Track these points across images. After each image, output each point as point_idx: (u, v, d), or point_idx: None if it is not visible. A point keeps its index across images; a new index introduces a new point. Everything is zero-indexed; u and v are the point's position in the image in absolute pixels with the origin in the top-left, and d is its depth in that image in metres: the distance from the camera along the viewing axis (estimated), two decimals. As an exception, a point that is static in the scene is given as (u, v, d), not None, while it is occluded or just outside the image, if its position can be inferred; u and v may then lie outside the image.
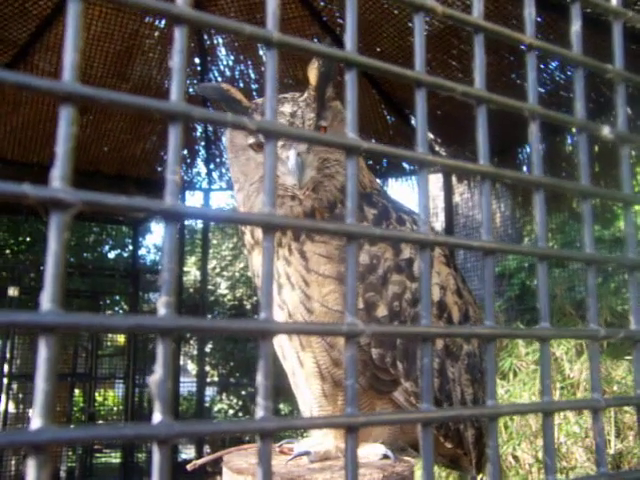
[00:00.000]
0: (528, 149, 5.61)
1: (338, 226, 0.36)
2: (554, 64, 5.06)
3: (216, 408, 10.76)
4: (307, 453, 1.44)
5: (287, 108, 1.41)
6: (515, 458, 3.94)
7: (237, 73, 5.93)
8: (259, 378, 0.32)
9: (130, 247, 9.31)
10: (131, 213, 0.31)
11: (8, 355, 6.32)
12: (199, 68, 5.85)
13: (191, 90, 5.76)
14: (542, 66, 5.00)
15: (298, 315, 1.43)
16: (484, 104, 0.42)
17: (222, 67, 5.92)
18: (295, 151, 1.36)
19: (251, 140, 1.45)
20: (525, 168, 5.76)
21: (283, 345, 1.50)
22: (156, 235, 12.16)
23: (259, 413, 0.31)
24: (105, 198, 0.30)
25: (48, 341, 0.28)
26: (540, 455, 3.87)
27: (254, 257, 1.52)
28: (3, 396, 6.34)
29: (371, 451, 1.47)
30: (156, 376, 0.30)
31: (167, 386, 0.29)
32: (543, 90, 5.22)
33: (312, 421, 0.33)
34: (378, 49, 5.39)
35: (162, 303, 0.30)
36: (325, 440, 1.48)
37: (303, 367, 1.47)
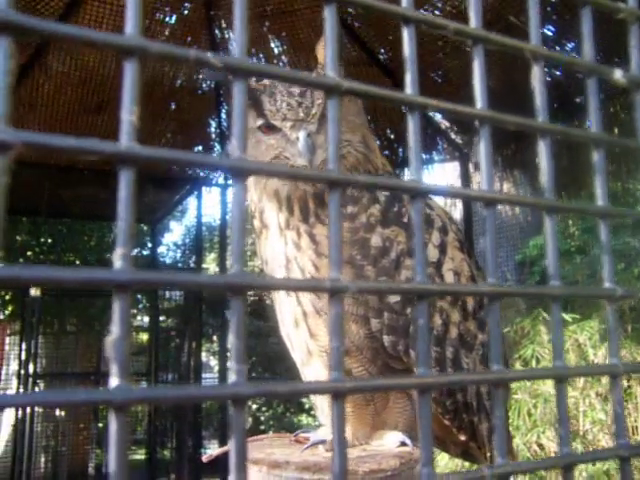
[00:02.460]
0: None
1: (319, 173, 0.32)
2: (571, 45, 4.96)
3: (239, 403, 10.79)
4: (323, 442, 1.41)
5: (296, 88, 1.38)
6: (540, 446, 3.88)
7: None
8: (231, 338, 0.29)
9: (149, 245, 9.36)
10: (83, 156, 0.28)
11: (32, 353, 6.39)
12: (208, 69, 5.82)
13: (201, 76, 5.74)
14: (557, 48, 4.90)
15: (306, 300, 1.39)
16: (480, 43, 0.39)
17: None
18: (305, 132, 1.33)
19: (260, 122, 1.41)
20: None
21: (291, 334, 1.47)
22: (175, 233, 12.21)
23: (231, 377, 0.28)
24: (49, 139, 0.27)
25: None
26: (566, 443, 3.80)
27: (262, 242, 1.49)
28: (28, 392, 6.40)
29: (388, 438, 1.44)
30: (112, 336, 0.27)
31: (124, 347, 0.27)
32: (559, 73, 5.12)
33: (295, 387, 0.30)
34: (391, 37, 5.33)
35: (118, 255, 0.27)
36: (341, 428, 1.45)
37: (312, 356, 1.44)
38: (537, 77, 0.41)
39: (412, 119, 0.35)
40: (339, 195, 0.32)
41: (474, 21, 0.39)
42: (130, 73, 0.28)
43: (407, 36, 0.36)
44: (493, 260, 0.36)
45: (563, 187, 5.37)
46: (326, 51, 0.33)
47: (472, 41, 0.39)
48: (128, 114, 0.28)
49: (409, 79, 0.36)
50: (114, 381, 0.26)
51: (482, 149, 0.37)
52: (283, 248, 1.43)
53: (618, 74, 0.45)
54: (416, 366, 1.40)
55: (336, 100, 0.33)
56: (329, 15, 0.33)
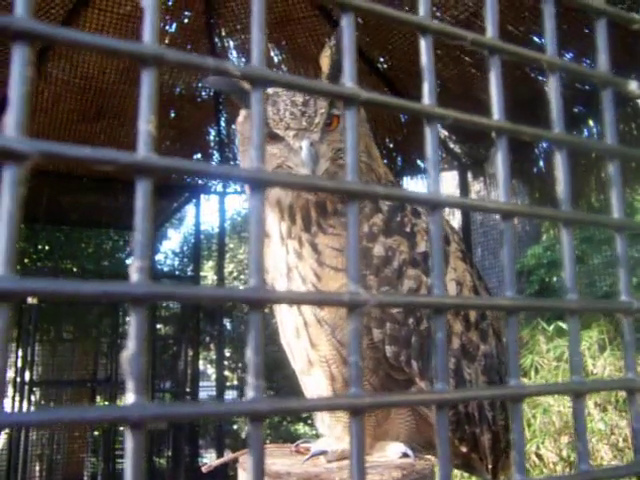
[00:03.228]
0: (544, 144, 5.50)
1: (338, 183, 0.32)
2: (569, 55, 4.97)
3: (236, 412, 10.74)
4: (324, 452, 1.40)
5: (299, 97, 1.37)
6: (539, 457, 3.86)
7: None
8: (249, 353, 0.28)
9: (147, 253, 9.31)
10: (98, 166, 0.27)
11: (29, 361, 6.35)
12: (211, 76, 5.84)
13: (200, 84, 5.75)
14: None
15: (308, 310, 1.39)
16: (497, 54, 0.38)
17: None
18: (308, 141, 1.32)
19: None
20: (542, 163, 5.64)
21: (292, 344, 1.46)
22: (173, 241, 12.20)
23: (249, 393, 0.28)
24: (66, 149, 0.26)
25: (1, 310, 0.24)
26: (565, 453, 3.79)
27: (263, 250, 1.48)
28: (25, 403, 6.37)
29: (390, 450, 1.42)
30: (129, 351, 0.26)
31: (141, 362, 0.26)
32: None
33: (313, 403, 0.29)
34: (390, 47, 5.35)
35: (135, 268, 0.27)
36: (342, 439, 1.44)
37: (312, 366, 1.43)
38: (553, 88, 0.41)
39: (430, 130, 0.35)
40: (357, 206, 0.31)
41: (490, 31, 0.39)
42: (147, 81, 0.28)
43: (424, 46, 0.35)
44: (511, 273, 0.36)
45: (562, 197, 5.37)
46: (344, 60, 0.33)
47: (488, 51, 0.38)
48: (145, 123, 0.27)
49: (427, 89, 0.35)
50: (130, 397, 0.26)
51: (499, 161, 0.37)
52: (284, 257, 1.42)
53: (633, 85, 0.44)
54: (417, 377, 1.40)
55: (354, 110, 0.32)
56: (346, 23, 0.33)
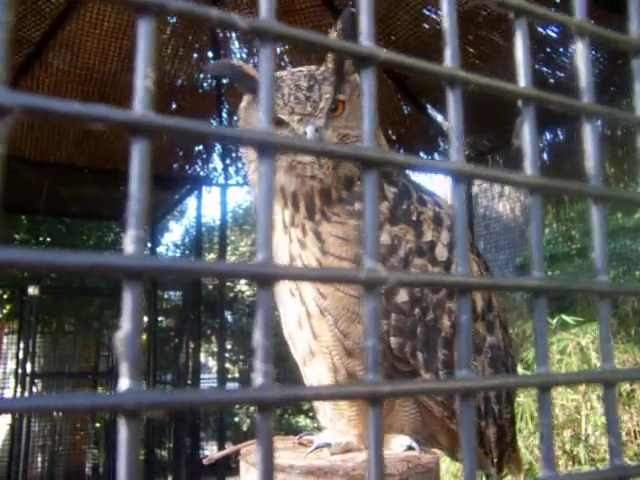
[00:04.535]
0: (548, 136, 5.45)
1: (354, 150, 0.29)
2: (573, 49, 4.91)
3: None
4: (328, 445, 1.38)
5: (304, 82, 1.34)
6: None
7: (250, 65, 5.88)
8: (257, 336, 0.25)
9: (148, 245, 9.29)
10: (89, 124, 0.24)
11: (30, 353, 6.34)
12: (212, 62, 5.81)
13: (202, 75, 5.71)
14: (561, 49, 4.86)
15: (311, 301, 1.36)
16: (524, 16, 0.35)
17: (235, 60, 5.88)
18: (313, 127, 1.29)
19: None
20: (546, 156, 5.58)
21: (294, 335, 1.44)
22: (175, 233, 12.17)
23: (257, 380, 0.25)
24: (53, 104, 0.23)
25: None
26: (568, 447, 3.77)
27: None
28: (26, 395, 6.36)
29: (395, 443, 1.40)
30: (123, 331, 0.23)
31: (137, 343, 0.23)
32: (563, 75, 5.08)
33: (326, 390, 0.27)
34: (393, 38, 5.30)
35: (130, 238, 0.24)
36: (345, 432, 1.42)
37: (314, 358, 1.40)
38: (582, 55, 0.38)
39: (453, 95, 0.32)
40: (375, 176, 0.28)
41: (516, -8, 0.36)
42: (144, 33, 0.25)
43: (447, 7, 0.32)
44: (538, 251, 0.33)
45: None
46: (361, 19, 0.30)
47: (515, 13, 0.35)
48: (142, 79, 0.25)
49: (449, 53, 0.32)
50: (124, 383, 0.23)
51: (526, 131, 0.34)
52: (288, 246, 1.39)
53: (666, 54, 0.41)
54: (422, 369, 1.37)
55: (371, 71, 0.29)
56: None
